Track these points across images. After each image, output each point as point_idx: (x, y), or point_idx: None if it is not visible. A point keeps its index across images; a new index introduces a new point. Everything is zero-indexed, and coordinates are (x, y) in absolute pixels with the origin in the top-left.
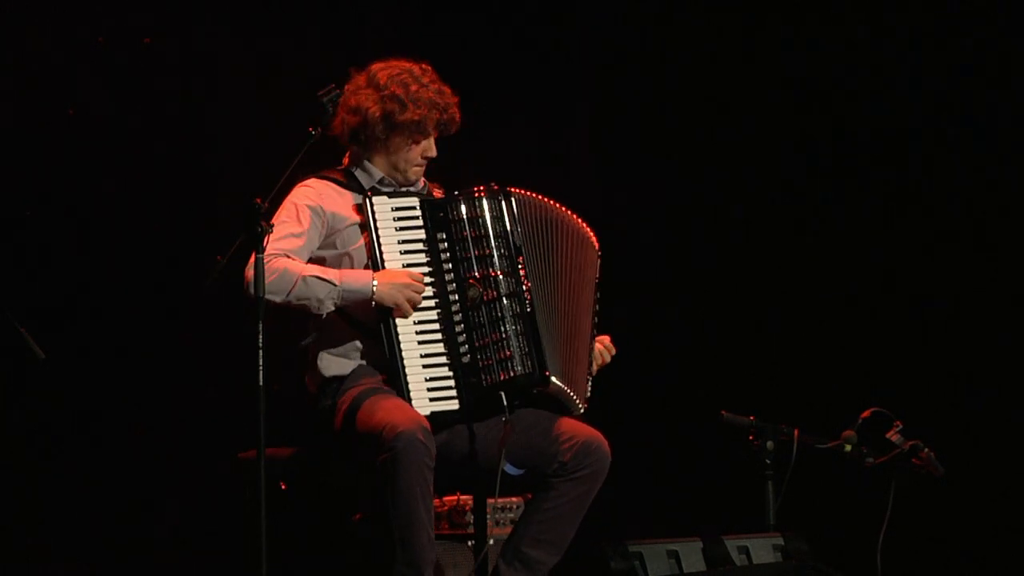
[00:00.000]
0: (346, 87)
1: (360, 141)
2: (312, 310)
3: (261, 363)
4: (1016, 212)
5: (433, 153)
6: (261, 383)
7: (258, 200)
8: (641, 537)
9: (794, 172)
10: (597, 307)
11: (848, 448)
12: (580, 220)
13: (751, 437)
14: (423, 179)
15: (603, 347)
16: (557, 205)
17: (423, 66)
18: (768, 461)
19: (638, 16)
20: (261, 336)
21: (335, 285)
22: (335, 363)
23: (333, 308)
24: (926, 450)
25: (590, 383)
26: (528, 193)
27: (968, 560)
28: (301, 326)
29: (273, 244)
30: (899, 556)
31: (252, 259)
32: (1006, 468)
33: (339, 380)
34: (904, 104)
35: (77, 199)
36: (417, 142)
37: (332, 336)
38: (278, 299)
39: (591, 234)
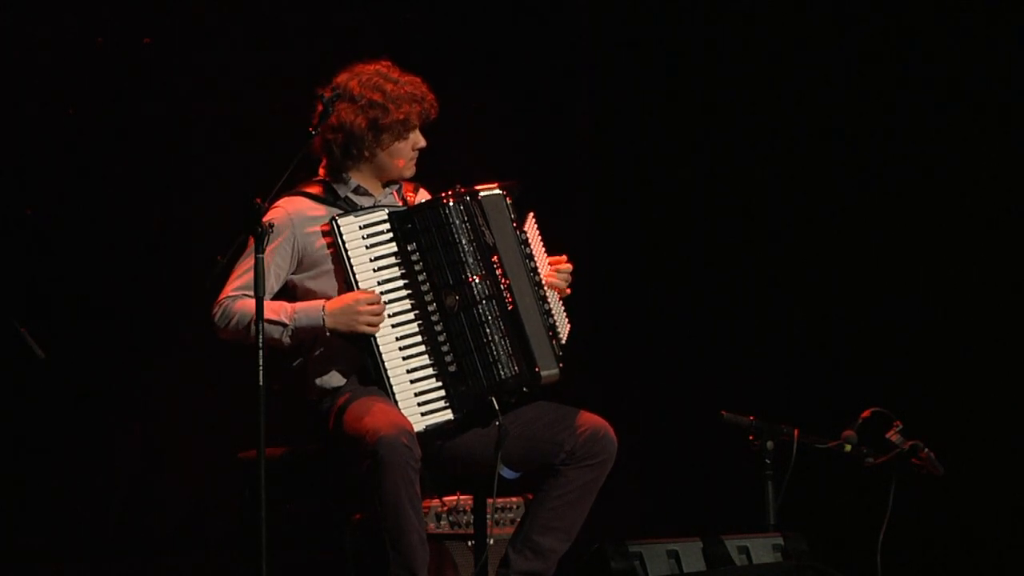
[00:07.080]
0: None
1: (353, 155)
2: (276, 346)
3: (261, 363)
4: (1016, 210)
5: (423, 143)
6: (261, 383)
7: (258, 200)
8: (641, 537)
9: (791, 169)
10: (543, 259)
11: (848, 448)
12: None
13: (751, 437)
14: (394, 191)
15: (558, 281)
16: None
17: (385, 63)
18: (768, 461)
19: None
20: (261, 336)
21: (285, 326)
22: (329, 379)
23: (290, 342)
24: (926, 450)
25: (556, 336)
26: (494, 185)
27: (968, 560)
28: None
29: (228, 286)
30: (899, 556)
31: (214, 305)
32: (1005, 468)
33: (336, 389)
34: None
35: (77, 199)
36: (406, 138)
37: (323, 354)
38: (243, 341)
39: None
